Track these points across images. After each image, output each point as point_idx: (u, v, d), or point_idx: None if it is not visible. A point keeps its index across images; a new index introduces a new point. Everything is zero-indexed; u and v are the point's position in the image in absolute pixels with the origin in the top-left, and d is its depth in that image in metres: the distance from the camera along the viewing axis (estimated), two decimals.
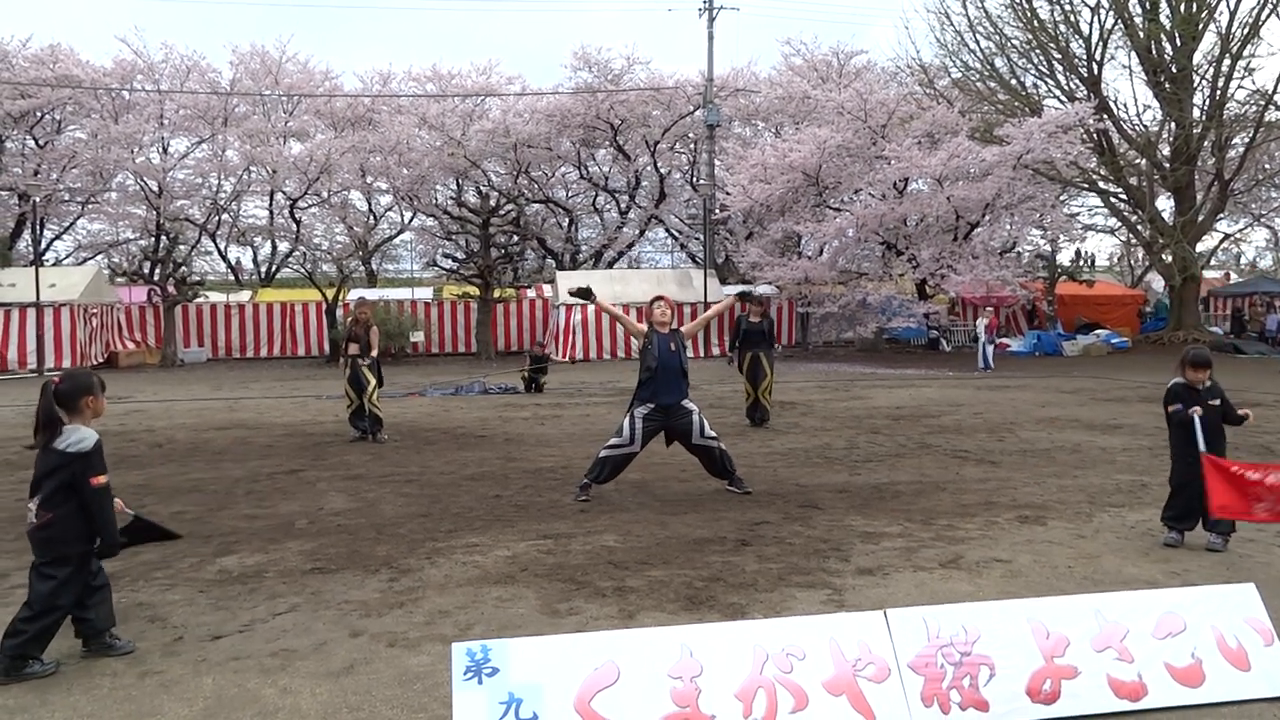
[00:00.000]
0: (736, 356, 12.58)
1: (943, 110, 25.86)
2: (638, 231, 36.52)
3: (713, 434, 7.71)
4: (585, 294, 7.92)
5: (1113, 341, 27.45)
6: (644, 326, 7.76)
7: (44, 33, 68.85)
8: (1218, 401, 5.93)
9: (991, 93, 28.47)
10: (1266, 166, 31.11)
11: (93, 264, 32.02)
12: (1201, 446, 5.73)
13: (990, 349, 22.03)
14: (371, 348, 11.28)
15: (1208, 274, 35.25)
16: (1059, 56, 27.50)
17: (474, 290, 27.57)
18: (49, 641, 4.24)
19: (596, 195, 36.42)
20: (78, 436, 4.20)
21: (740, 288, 13.44)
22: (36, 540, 4.25)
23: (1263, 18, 25.05)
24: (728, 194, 28.04)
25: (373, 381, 11.15)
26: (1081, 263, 34.39)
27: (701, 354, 26.84)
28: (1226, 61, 25.93)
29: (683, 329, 7.97)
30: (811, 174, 26.58)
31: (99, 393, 4.37)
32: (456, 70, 34.16)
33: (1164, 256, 27.95)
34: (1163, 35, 26.73)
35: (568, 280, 28.43)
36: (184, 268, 28.01)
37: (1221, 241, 34.99)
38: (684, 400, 7.62)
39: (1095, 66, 27.20)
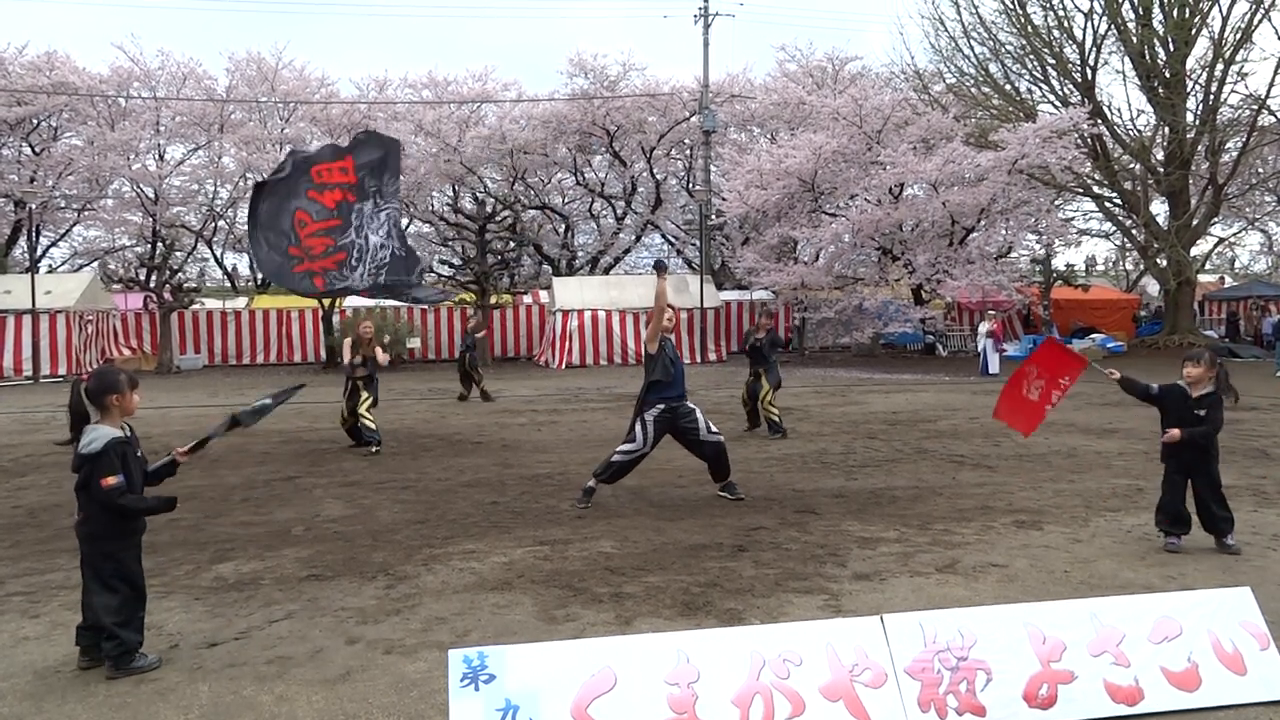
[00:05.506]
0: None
1: (938, 116, 25.95)
2: (634, 237, 36.58)
3: (717, 430, 7.85)
4: (660, 267, 7.91)
5: (1108, 345, 27.49)
6: (669, 324, 7.79)
7: (40, 39, 68.67)
8: (1203, 413, 5.83)
9: (986, 98, 28.52)
10: (1260, 170, 31.18)
11: (88, 271, 31.96)
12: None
13: (996, 357, 21.88)
14: (379, 365, 11.31)
15: (1202, 278, 35.32)
16: (1053, 62, 27.55)
17: (470, 297, 27.56)
18: (141, 631, 4.36)
19: (593, 201, 36.43)
20: (91, 437, 4.21)
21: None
22: (79, 535, 4.32)
23: (1255, 22, 25.12)
24: (724, 200, 28.07)
25: (367, 397, 11.10)
26: (1078, 268, 34.41)
27: (697, 359, 26.86)
28: (1219, 66, 25.99)
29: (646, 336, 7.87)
30: (807, 179, 26.62)
31: (126, 390, 4.33)
32: (452, 76, 34.20)
33: (1159, 261, 28.00)
34: (1156, 40, 26.80)
35: (564, 287, 28.44)
36: (180, 274, 27.98)
37: (1216, 246, 35.02)
38: (686, 399, 7.78)
39: (1089, 72, 27.27)
